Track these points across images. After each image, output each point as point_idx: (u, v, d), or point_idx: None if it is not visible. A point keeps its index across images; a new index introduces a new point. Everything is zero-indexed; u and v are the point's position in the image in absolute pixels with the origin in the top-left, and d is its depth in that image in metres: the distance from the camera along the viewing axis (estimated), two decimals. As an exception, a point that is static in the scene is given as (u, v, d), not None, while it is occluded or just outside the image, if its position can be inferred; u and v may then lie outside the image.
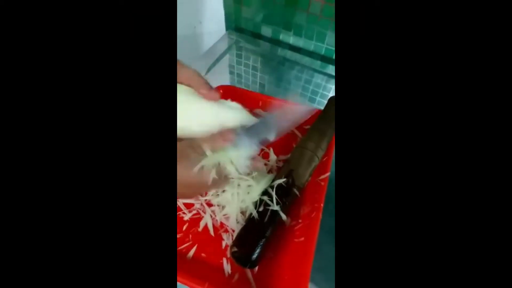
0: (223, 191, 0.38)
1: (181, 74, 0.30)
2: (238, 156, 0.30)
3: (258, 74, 0.72)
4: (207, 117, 0.31)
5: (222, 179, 0.30)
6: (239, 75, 0.66)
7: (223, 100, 0.33)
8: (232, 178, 0.31)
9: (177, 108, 0.29)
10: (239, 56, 0.70)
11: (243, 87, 0.61)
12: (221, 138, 0.29)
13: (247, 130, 0.31)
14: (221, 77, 0.64)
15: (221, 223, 0.37)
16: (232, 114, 0.32)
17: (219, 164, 0.29)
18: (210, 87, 0.31)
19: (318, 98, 0.63)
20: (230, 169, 0.30)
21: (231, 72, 0.66)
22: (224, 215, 0.37)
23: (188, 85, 0.31)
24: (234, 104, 0.34)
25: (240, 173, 0.30)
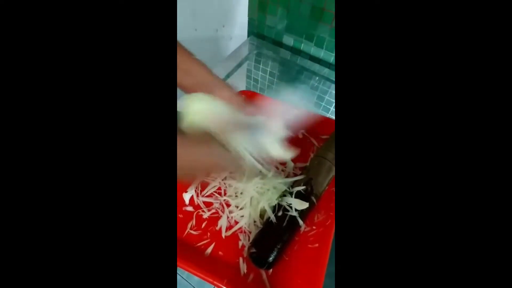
0: (241, 192, 0.40)
1: (223, 93, 0.33)
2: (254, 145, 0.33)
3: (275, 80, 0.73)
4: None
5: (234, 163, 0.32)
6: (255, 80, 0.67)
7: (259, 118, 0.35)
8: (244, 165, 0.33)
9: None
10: (258, 62, 0.71)
11: (259, 91, 0.63)
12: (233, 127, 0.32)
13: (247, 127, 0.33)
14: (237, 81, 0.66)
15: (237, 223, 0.38)
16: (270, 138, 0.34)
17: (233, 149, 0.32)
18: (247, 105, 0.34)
19: (332, 108, 0.64)
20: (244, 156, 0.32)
21: (248, 77, 0.68)
22: (241, 216, 0.38)
23: (229, 103, 0.33)
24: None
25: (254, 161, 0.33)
